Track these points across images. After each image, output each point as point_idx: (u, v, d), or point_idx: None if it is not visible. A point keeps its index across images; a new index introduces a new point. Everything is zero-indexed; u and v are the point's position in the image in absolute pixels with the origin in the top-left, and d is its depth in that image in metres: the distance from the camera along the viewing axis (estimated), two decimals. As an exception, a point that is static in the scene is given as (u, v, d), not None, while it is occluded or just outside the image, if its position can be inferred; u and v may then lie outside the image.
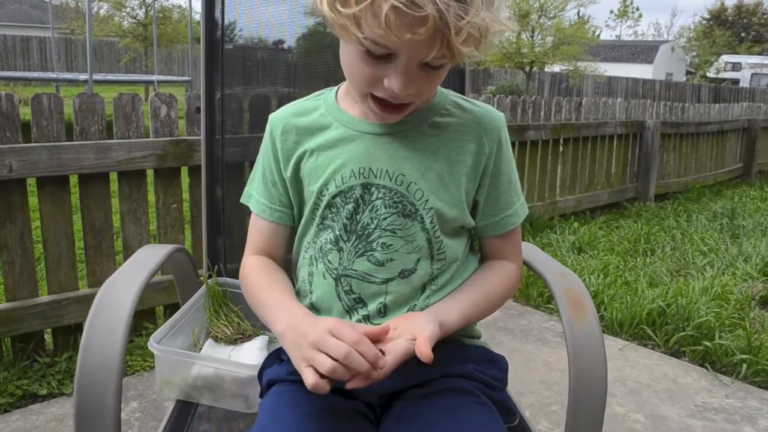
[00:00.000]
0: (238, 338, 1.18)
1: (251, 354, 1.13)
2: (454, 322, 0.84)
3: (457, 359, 0.87)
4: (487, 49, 0.74)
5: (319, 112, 0.90)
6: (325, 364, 0.70)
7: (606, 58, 27.04)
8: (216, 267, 1.29)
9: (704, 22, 46.77)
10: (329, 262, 0.87)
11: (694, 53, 35.01)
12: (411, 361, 0.75)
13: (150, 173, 2.18)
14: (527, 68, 14.97)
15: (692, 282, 2.93)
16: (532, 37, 14.33)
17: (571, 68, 15.58)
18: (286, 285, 0.91)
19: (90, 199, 2.06)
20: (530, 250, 1.09)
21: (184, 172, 2.26)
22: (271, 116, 0.94)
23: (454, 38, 0.68)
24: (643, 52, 31.98)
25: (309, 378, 0.70)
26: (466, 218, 0.89)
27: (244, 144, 1.38)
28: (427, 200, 0.85)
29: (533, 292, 2.86)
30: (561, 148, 4.12)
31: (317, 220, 0.89)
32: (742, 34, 46.25)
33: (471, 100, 0.91)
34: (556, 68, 17.66)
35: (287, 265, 0.97)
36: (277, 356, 0.91)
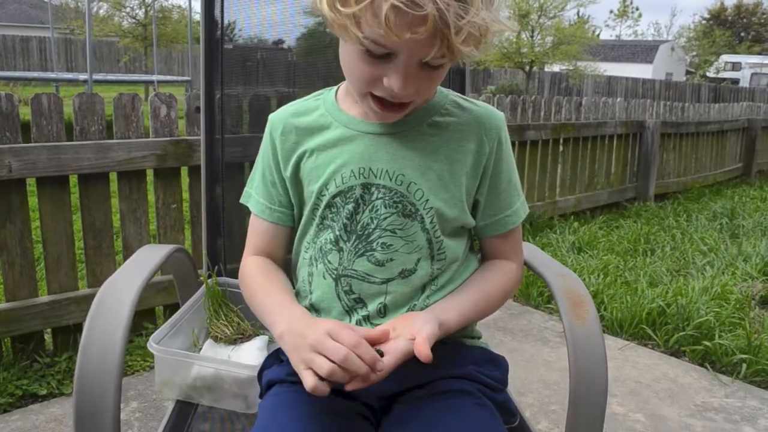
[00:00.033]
0: (237, 338, 1.18)
1: (251, 354, 1.13)
2: (454, 322, 0.84)
3: (458, 360, 0.86)
4: (486, 48, 0.73)
5: (319, 112, 0.90)
6: (324, 366, 0.70)
7: (606, 57, 27.05)
8: (216, 267, 1.29)
9: (704, 21, 46.78)
10: (329, 262, 0.87)
11: (694, 53, 35.02)
12: (411, 361, 0.75)
13: (150, 173, 2.18)
14: (527, 68, 14.97)
15: (692, 282, 2.93)
16: (531, 36, 14.33)
17: (571, 68, 15.59)
18: (285, 286, 0.91)
19: (90, 199, 2.06)
20: (531, 250, 1.09)
21: (184, 172, 2.26)
22: (271, 116, 0.94)
23: (454, 38, 0.68)
24: (643, 51, 31.99)
25: (308, 380, 0.70)
26: (467, 218, 0.89)
27: (243, 144, 1.38)
28: (427, 200, 0.84)
29: (533, 291, 2.86)
30: (561, 148, 4.12)
31: (317, 220, 0.89)
32: (742, 34, 46.26)
33: (471, 100, 0.91)
34: (556, 68, 17.67)
35: (287, 265, 0.97)
36: (277, 357, 0.91)
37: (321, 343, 0.71)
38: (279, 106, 0.96)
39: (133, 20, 14.84)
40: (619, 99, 4.81)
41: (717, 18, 47.20)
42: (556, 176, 4.13)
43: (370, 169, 0.84)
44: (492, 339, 2.43)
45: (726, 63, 33.87)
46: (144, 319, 2.23)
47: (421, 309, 0.85)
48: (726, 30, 40.21)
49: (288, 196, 0.93)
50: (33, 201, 1.98)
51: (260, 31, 1.39)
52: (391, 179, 0.84)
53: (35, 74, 11.67)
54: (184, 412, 1.05)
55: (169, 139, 2.15)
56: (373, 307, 0.85)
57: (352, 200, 0.85)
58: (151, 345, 1.01)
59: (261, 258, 0.95)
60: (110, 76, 11.25)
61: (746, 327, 2.43)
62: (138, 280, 0.89)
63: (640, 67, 29.30)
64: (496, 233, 0.92)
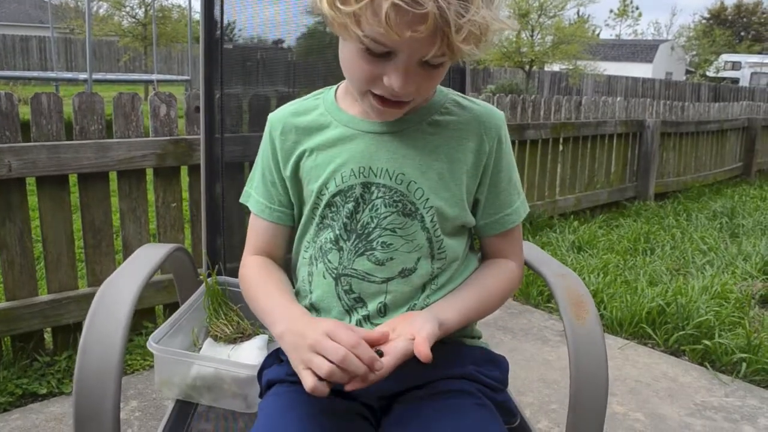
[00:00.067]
0: (237, 337, 1.18)
1: (251, 353, 1.13)
2: (454, 321, 0.83)
3: (458, 360, 0.86)
4: (487, 47, 0.73)
5: (318, 111, 0.90)
6: (323, 367, 0.70)
7: (606, 57, 27.05)
8: (215, 266, 1.29)
9: (704, 21, 46.77)
10: (329, 261, 0.87)
11: (694, 52, 35.02)
12: (411, 362, 0.75)
13: (150, 172, 2.18)
14: (527, 67, 14.97)
15: (692, 281, 2.93)
16: (531, 36, 14.33)
17: (571, 67, 15.60)
18: (285, 286, 0.91)
19: (89, 198, 2.06)
20: (531, 250, 1.09)
21: (184, 171, 2.25)
22: (270, 116, 0.93)
23: (455, 36, 0.68)
24: (643, 51, 31.98)
25: (308, 381, 0.70)
26: (467, 217, 0.89)
27: (243, 143, 1.38)
28: (427, 199, 0.84)
29: (533, 291, 2.86)
30: (561, 147, 4.12)
31: (317, 219, 0.89)
32: (742, 33, 46.25)
33: (471, 99, 0.91)
34: (556, 67, 17.67)
35: (287, 265, 0.97)
36: (277, 356, 0.91)
37: (319, 344, 0.71)
38: (279, 105, 0.96)
39: (133, 20, 14.83)
40: (618, 98, 4.81)
41: (717, 17, 47.19)
42: (555, 175, 4.13)
43: (370, 168, 0.84)
44: (492, 338, 2.43)
45: (726, 62, 33.87)
46: (144, 318, 2.23)
47: (422, 308, 0.85)
48: (726, 29, 40.22)
49: (288, 195, 0.92)
50: (33, 200, 1.98)
51: (260, 30, 1.39)
52: (391, 178, 0.84)
53: (35, 74, 11.67)
54: (185, 411, 1.04)
55: (168, 138, 2.15)
56: (373, 306, 0.85)
57: (352, 199, 0.85)
58: (151, 344, 1.01)
59: (261, 258, 0.95)
60: (110, 76, 11.24)
61: (746, 326, 2.43)
62: (138, 279, 0.88)
63: (640, 67, 29.30)
64: (496, 232, 0.92)
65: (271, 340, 1.18)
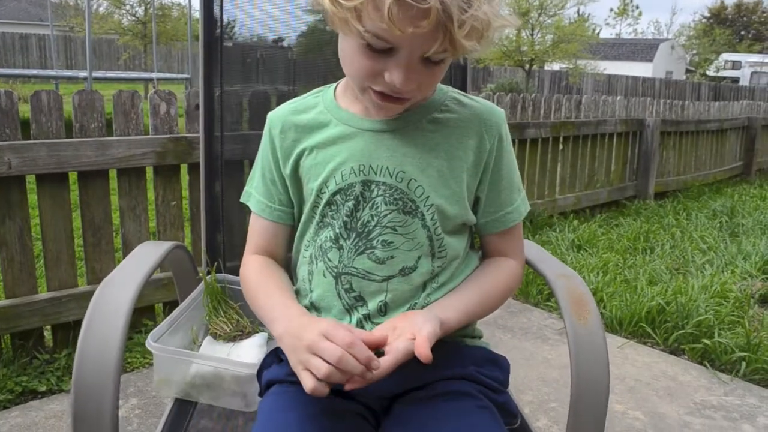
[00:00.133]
0: (237, 335, 1.17)
1: (250, 351, 1.13)
2: (455, 321, 0.83)
3: (458, 360, 0.86)
4: (488, 44, 0.73)
5: (318, 109, 0.90)
6: (321, 368, 0.69)
7: (606, 56, 27.03)
8: (215, 264, 1.28)
9: (704, 20, 46.75)
10: (329, 260, 0.86)
11: (694, 51, 35.00)
12: (411, 362, 0.74)
13: (149, 170, 2.18)
14: (527, 66, 14.97)
15: (692, 280, 2.93)
16: (531, 35, 14.33)
17: (571, 66, 15.60)
18: (285, 285, 0.91)
19: (89, 196, 2.05)
20: (532, 248, 1.08)
21: (184, 169, 2.25)
22: (270, 115, 0.93)
23: (457, 31, 0.67)
24: (643, 50, 31.95)
25: (307, 382, 0.70)
26: (468, 215, 0.88)
27: (243, 141, 1.38)
28: (427, 197, 0.84)
29: (533, 289, 2.85)
30: (561, 146, 4.12)
31: (317, 218, 0.88)
32: (742, 33, 46.24)
33: (471, 96, 0.91)
34: (556, 66, 17.67)
35: (288, 264, 0.97)
36: (276, 356, 0.90)
37: (316, 345, 0.71)
38: (278, 103, 0.95)
39: (133, 18, 14.83)
40: (619, 97, 4.81)
41: (717, 16, 47.18)
42: (555, 174, 4.13)
43: (370, 166, 0.84)
44: (491, 337, 2.42)
45: (726, 61, 33.86)
46: (143, 316, 2.23)
47: (422, 307, 0.84)
48: (726, 28, 40.20)
49: (288, 194, 0.92)
50: (33, 198, 1.98)
51: (260, 29, 1.38)
52: (391, 176, 0.84)
53: (35, 71, 11.66)
54: (184, 408, 1.04)
55: (168, 136, 2.15)
56: (373, 305, 0.85)
57: (352, 198, 0.85)
58: (150, 343, 1.00)
59: (262, 257, 0.94)
60: (110, 74, 11.25)
61: (745, 325, 2.43)
62: (137, 277, 0.88)
63: (640, 66, 29.28)
64: (496, 230, 0.92)
65: (270, 338, 1.18)
